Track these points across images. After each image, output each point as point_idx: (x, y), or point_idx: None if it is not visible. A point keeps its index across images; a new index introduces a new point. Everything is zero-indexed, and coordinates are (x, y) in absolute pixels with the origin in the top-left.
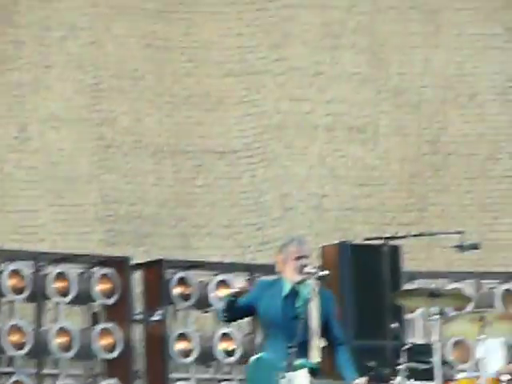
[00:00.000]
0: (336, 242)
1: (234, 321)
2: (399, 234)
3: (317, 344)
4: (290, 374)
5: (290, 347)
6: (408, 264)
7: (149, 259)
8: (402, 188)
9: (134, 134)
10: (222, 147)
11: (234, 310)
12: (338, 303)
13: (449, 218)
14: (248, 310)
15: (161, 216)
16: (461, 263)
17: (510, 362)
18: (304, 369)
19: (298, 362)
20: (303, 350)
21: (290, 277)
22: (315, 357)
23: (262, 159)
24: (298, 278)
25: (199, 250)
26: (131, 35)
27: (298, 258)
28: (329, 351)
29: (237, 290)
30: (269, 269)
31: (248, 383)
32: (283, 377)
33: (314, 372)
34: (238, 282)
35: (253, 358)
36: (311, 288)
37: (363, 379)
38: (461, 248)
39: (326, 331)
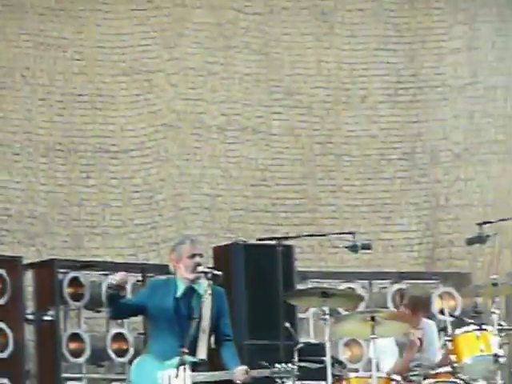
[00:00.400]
0: (228, 242)
1: (122, 318)
2: (291, 235)
3: (205, 342)
4: (171, 370)
5: (182, 347)
6: (300, 264)
7: (40, 259)
8: (294, 189)
9: (25, 132)
10: (114, 146)
11: (122, 308)
12: (229, 302)
13: (341, 219)
14: (137, 310)
15: (52, 215)
16: (353, 263)
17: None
18: (185, 365)
19: (184, 359)
20: (192, 347)
21: (183, 275)
22: (202, 354)
23: (155, 159)
24: (192, 276)
25: (91, 250)
26: (22, 33)
27: (192, 256)
28: (216, 348)
29: (116, 281)
30: (162, 269)
31: (130, 381)
32: (164, 373)
33: (196, 366)
34: (118, 273)
35: (137, 359)
36: (204, 287)
37: (244, 367)
38: (353, 248)
39: (215, 328)
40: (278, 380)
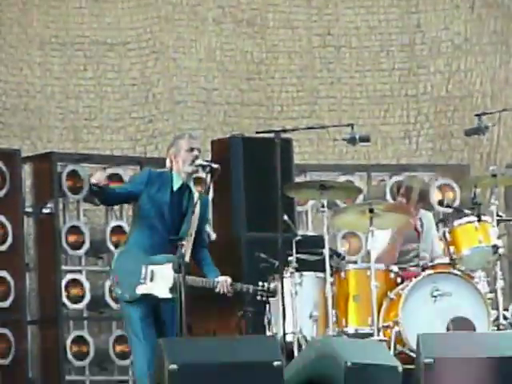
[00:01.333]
0: (224, 136)
1: (112, 205)
2: (289, 128)
3: (190, 246)
4: (156, 266)
5: (172, 240)
6: (299, 158)
7: (35, 152)
8: (291, 82)
9: (20, 25)
10: (111, 39)
11: (110, 196)
12: (227, 195)
13: (340, 111)
14: (129, 196)
15: (48, 109)
16: (352, 156)
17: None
18: (169, 263)
19: (166, 256)
20: (173, 246)
21: (181, 169)
22: (186, 257)
23: (152, 51)
24: (189, 169)
25: (89, 143)
26: None
27: (190, 150)
28: (192, 253)
29: (96, 180)
30: (159, 162)
31: (112, 269)
32: (148, 267)
33: (178, 269)
34: (96, 173)
35: (121, 249)
36: (199, 189)
37: (226, 277)
38: (351, 141)
39: (196, 234)
40: (260, 297)
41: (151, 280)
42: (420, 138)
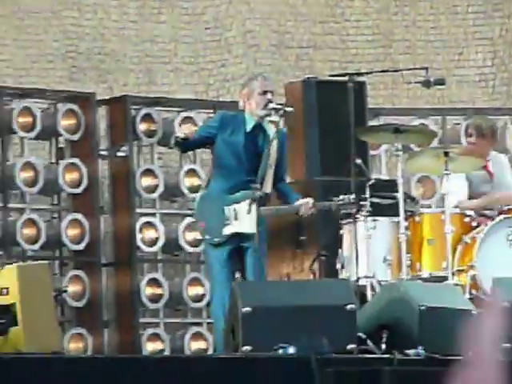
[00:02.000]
0: (297, 79)
1: (188, 151)
2: (363, 71)
3: (271, 177)
4: (237, 205)
5: (250, 182)
6: (372, 101)
7: (111, 96)
8: (366, 24)
9: None
10: None
11: (189, 145)
12: (301, 139)
13: (414, 55)
14: (204, 142)
15: (124, 52)
16: (426, 100)
17: (470, 198)
18: (249, 198)
19: (245, 193)
20: (259, 182)
21: (253, 112)
22: (267, 188)
23: None
24: (262, 113)
25: (164, 87)
26: None
27: (263, 92)
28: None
29: (184, 135)
30: (233, 106)
31: (196, 216)
32: (230, 207)
33: (261, 200)
34: (187, 129)
35: (200, 194)
36: (274, 126)
37: (307, 199)
38: (426, 84)
39: (275, 168)
40: (342, 211)
41: (235, 219)
42: (496, 81)
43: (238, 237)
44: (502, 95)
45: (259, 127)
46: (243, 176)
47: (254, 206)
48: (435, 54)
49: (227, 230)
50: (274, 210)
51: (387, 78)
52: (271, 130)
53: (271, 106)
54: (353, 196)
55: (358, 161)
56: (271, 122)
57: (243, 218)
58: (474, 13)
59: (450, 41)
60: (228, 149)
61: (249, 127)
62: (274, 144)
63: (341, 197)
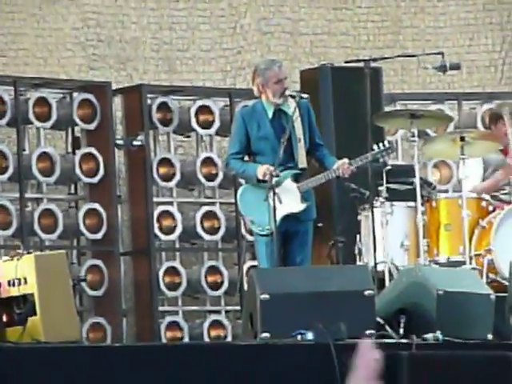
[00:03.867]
0: (311, 66)
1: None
2: (378, 57)
3: (303, 150)
4: (277, 188)
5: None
6: (386, 87)
7: (132, 83)
8: (376, 11)
9: None
10: None
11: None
12: (317, 125)
13: (423, 41)
14: (248, 147)
15: (143, 39)
16: (436, 86)
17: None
18: (288, 178)
19: (285, 173)
20: (292, 159)
21: (270, 100)
22: (302, 163)
23: None
24: (280, 101)
25: (182, 75)
26: None
27: (279, 81)
28: (310, 157)
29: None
30: (249, 93)
31: (245, 215)
32: (270, 193)
33: (300, 177)
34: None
35: (240, 189)
36: (291, 107)
37: (343, 160)
38: (442, 68)
39: (308, 139)
40: (380, 158)
41: (280, 202)
42: (505, 66)
43: (288, 220)
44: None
45: (279, 111)
46: (281, 162)
47: (293, 185)
48: (445, 40)
49: (277, 216)
50: (314, 180)
51: (397, 65)
52: (290, 109)
53: (287, 93)
54: (387, 141)
55: (375, 146)
56: (290, 96)
57: (287, 199)
58: None
59: (460, 26)
60: (260, 141)
61: (270, 113)
62: (297, 118)
63: (375, 147)
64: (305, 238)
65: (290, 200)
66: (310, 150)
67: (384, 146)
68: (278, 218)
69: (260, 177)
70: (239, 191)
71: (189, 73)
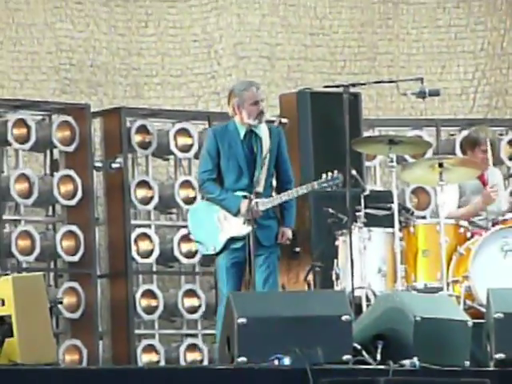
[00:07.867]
0: (288, 91)
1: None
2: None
3: (264, 176)
4: (222, 211)
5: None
6: (366, 113)
7: (102, 108)
8: (352, 37)
9: None
10: None
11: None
12: (296, 150)
13: (397, 67)
14: (218, 167)
15: (113, 65)
16: (408, 113)
17: (459, 207)
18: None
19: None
20: (250, 183)
21: (245, 121)
22: (260, 186)
23: (214, 7)
24: (255, 122)
25: (151, 100)
26: None
27: (255, 103)
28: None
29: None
30: (227, 117)
31: (189, 228)
32: (217, 214)
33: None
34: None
35: (191, 208)
36: (266, 130)
37: (289, 231)
38: (421, 94)
39: (276, 167)
40: (327, 188)
41: (225, 223)
42: (477, 94)
43: (235, 240)
44: (483, 108)
45: (251, 132)
46: (242, 180)
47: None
48: (417, 67)
49: (222, 237)
50: (262, 203)
51: (372, 91)
52: (262, 132)
53: (265, 118)
54: (335, 174)
55: (354, 172)
56: (270, 121)
57: (232, 221)
58: (456, 26)
59: (433, 54)
60: (230, 159)
61: (242, 134)
62: (265, 141)
63: (323, 175)
64: (268, 263)
65: (234, 222)
66: (278, 183)
67: (332, 176)
68: (222, 240)
69: (243, 211)
70: (191, 208)
71: (157, 98)
